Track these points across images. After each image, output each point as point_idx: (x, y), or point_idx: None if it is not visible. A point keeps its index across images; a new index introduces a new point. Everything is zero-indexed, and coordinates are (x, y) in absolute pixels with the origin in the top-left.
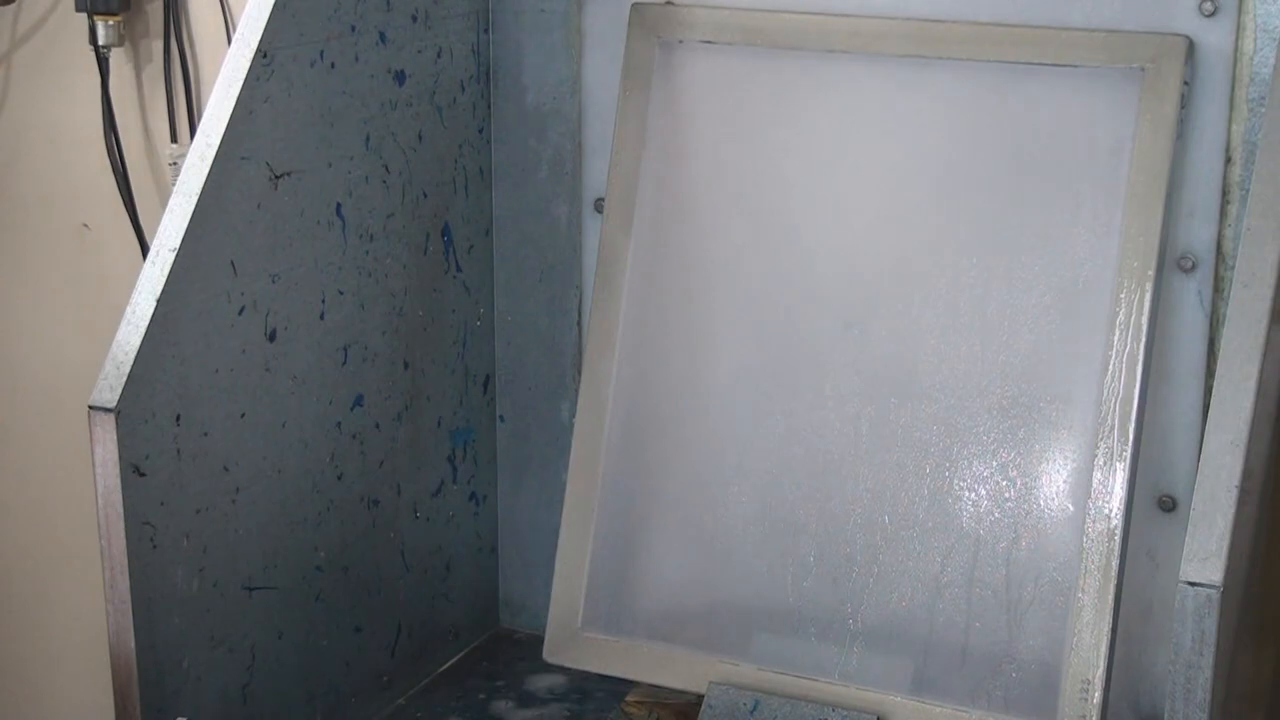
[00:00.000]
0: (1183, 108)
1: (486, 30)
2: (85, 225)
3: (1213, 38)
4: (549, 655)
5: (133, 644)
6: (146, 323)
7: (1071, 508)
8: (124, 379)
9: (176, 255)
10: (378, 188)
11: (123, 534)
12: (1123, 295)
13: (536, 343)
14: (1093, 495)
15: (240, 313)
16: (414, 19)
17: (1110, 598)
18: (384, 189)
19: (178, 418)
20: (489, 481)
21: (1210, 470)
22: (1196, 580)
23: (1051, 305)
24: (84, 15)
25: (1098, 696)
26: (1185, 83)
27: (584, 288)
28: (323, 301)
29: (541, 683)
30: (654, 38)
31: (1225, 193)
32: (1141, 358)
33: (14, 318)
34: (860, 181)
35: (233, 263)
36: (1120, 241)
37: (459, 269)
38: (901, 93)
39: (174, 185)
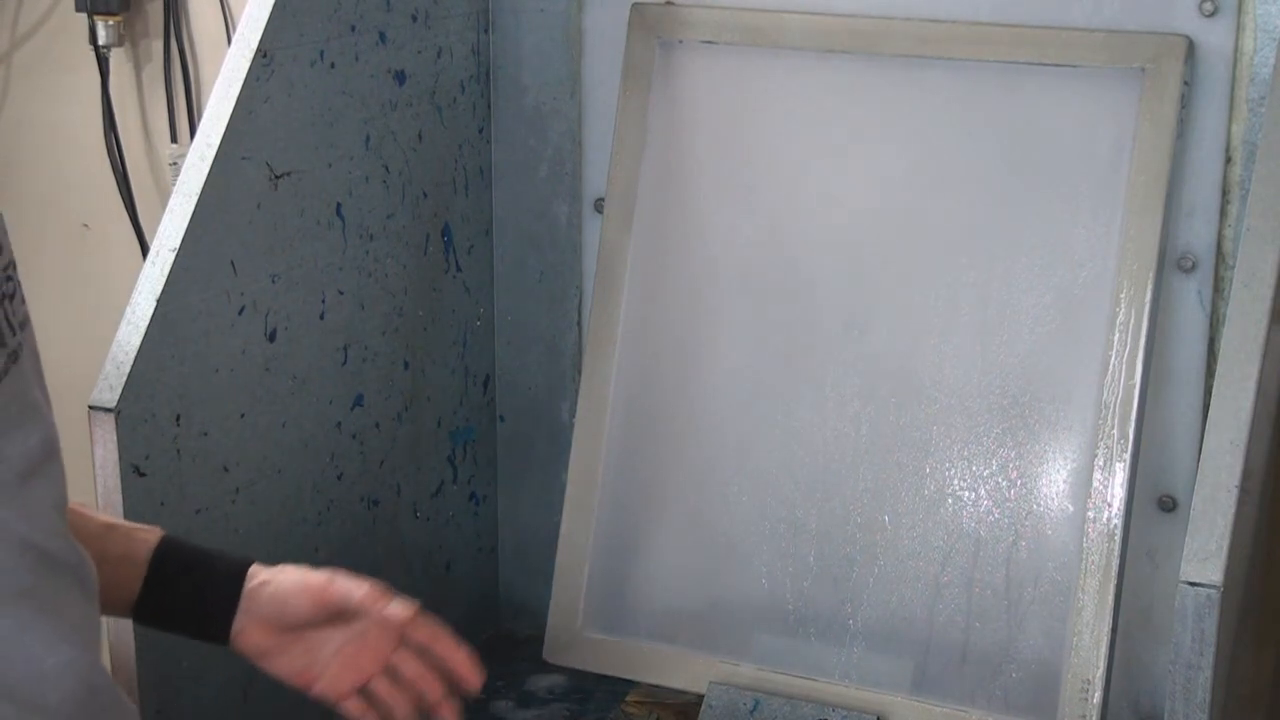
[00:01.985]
0: (1183, 108)
1: (486, 30)
2: (85, 225)
3: (1213, 38)
4: (549, 655)
5: (133, 644)
6: (146, 323)
7: (1071, 508)
8: (124, 379)
9: (176, 255)
10: (378, 188)
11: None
12: (1123, 295)
13: (536, 343)
14: (1093, 495)
15: (240, 313)
16: (414, 19)
17: (1110, 598)
18: (384, 189)
19: (178, 418)
20: (489, 481)
21: (1210, 470)
22: (1196, 580)
23: (1051, 305)
24: (84, 15)
25: (1098, 696)
26: (1185, 83)
27: (584, 288)
28: (323, 301)
29: (541, 683)
30: (654, 38)
31: (1225, 193)
32: (1141, 358)
33: None
34: (860, 181)
35: (233, 263)
36: (1120, 241)
37: (459, 269)
38: (901, 93)
39: (174, 185)
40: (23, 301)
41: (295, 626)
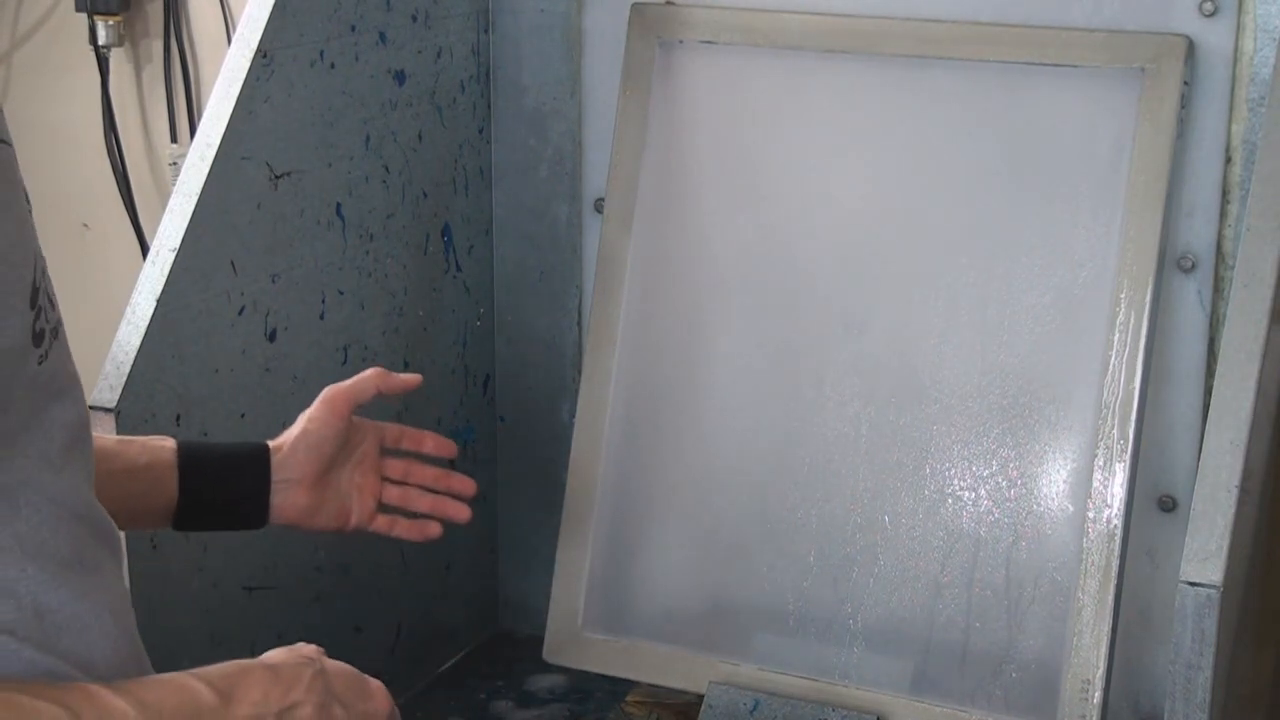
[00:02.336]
0: (1183, 108)
1: (486, 30)
2: (85, 225)
3: (1213, 38)
4: (549, 655)
5: None
6: (146, 323)
7: (1071, 508)
8: (124, 379)
9: (176, 255)
10: (378, 188)
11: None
12: (1123, 295)
13: (536, 343)
14: (1093, 495)
15: (240, 313)
16: (414, 19)
17: (1110, 598)
18: (384, 189)
19: (178, 418)
20: (489, 481)
21: (1210, 470)
22: (1196, 580)
23: (1051, 305)
24: (84, 15)
25: (1098, 696)
26: (1185, 83)
27: (584, 288)
28: (323, 301)
29: (541, 683)
30: (654, 38)
31: (1225, 193)
32: (1141, 358)
33: None
34: (860, 181)
35: (233, 263)
36: (1120, 241)
37: (459, 269)
38: (901, 93)
39: (174, 185)
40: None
41: (331, 462)
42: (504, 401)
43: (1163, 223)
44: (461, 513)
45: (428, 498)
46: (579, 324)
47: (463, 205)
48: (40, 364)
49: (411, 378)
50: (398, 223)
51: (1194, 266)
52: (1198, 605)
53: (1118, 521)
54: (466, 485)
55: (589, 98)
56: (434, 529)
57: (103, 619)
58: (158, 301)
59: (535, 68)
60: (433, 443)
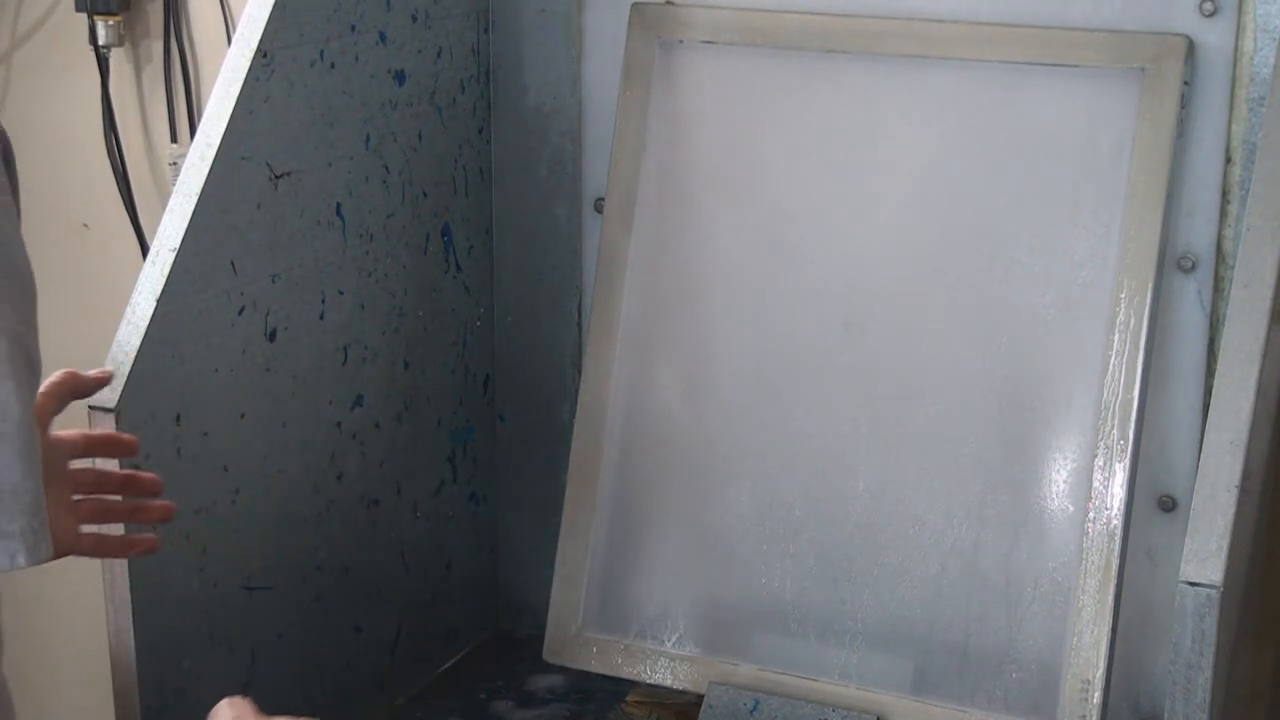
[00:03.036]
0: (1183, 108)
1: (486, 30)
2: (85, 225)
3: (1213, 38)
4: (549, 655)
5: (133, 644)
6: (146, 323)
7: (1071, 508)
8: (124, 379)
9: (176, 255)
10: (378, 188)
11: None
12: (1123, 295)
13: (536, 343)
14: (1093, 495)
15: (240, 313)
16: (414, 19)
17: (1110, 598)
18: (384, 189)
19: (178, 418)
20: (489, 481)
21: (1210, 470)
22: (1196, 580)
23: (1051, 305)
24: (84, 15)
25: (1098, 696)
26: (1185, 83)
27: (584, 288)
28: (323, 301)
29: (541, 683)
30: (654, 38)
31: (1225, 193)
32: (1141, 358)
33: None
34: (860, 182)
35: (233, 263)
36: (1120, 241)
37: (459, 269)
38: (901, 93)
39: (174, 185)
40: None
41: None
42: (504, 401)
43: (1163, 223)
44: (166, 514)
45: (125, 506)
46: (579, 324)
47: (463, 205)
48: None
49: (103, 373)
50: (398, 223)
51: (1194, 266)
52: (1198, 605)
53: (1118, 521)
54: (155, 484)
55: (589, 98)
56: (151, 542)
57: None
58: (158, 301)
59: (535, 68)
60: (114, 441)
